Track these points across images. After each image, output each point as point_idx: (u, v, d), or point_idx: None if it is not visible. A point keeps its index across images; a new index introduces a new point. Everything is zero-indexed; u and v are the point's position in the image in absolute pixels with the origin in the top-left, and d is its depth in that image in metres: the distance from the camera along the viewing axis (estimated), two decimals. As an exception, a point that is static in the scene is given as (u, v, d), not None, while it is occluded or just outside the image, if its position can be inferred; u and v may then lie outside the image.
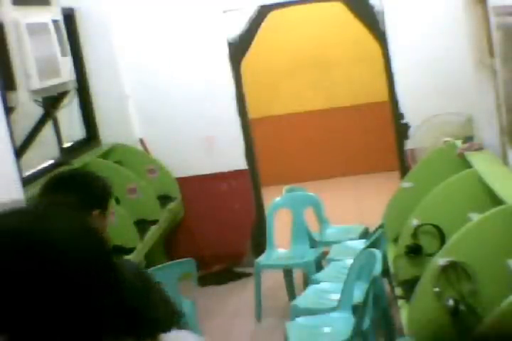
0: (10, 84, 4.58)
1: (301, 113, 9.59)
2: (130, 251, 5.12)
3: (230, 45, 6.53)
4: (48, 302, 1.06)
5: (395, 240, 4.61)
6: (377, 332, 4.59)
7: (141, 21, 6.51)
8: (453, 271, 3.43)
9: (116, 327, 1.11)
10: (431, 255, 3.93)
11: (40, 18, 5.08)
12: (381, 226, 4.94)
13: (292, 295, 5.65)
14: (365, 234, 5.69)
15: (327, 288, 4.80)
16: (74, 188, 2.56)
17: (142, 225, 5.65)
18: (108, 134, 6.51)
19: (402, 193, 4.92)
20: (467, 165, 4.57)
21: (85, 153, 6.13)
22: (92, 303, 1.09)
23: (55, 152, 5.87)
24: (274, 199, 5.96)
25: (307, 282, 5.41)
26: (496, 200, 3.78)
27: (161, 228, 5.95)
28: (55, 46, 5.21)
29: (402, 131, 6.41)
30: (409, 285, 3.84)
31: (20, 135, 5.24)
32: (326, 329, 4.25)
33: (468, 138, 5.26)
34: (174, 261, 4.72)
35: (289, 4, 6.57)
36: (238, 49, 6.58)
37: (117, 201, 5.67)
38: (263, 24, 6.61)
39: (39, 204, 2.22)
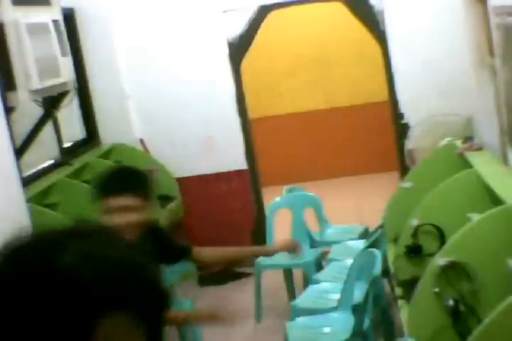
0: (10, 84, 4.58)
1: (301, 113, 9.59)
2: (130, 251, 5.11)
3: (230, 45, 6.53)
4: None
5: (395, 240, 4.61)
6: (377, 332, 4.59)
7: (141, 21, 6.51)
8: (453, 271, 3.43)
9: None
10: (431, 255, 3.93)
11: (40, 18, 5.08)
12: (381, 226, 4.94)
13: (292, 295, 5.65)
14: (365, 234, 5.69)
15: (327, 288, 4.80)
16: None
17: (142, 225, 5.65)
18: (108, 134, 6.51)
19: (402, 193, 4.92)
20: (467, 165, 4.57)
21: (85, 153, 6.13)
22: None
23: (55, 152, 5.87)
24: (274, 199, 5.95)
25: (307, 282, 5.41)
26: (495, 200, 3.78)
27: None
28: (55, 46, 5.20)
29: (402, 131, 6.41)
30: (409, 285, 3.84)
31: (20, 135, 5.24)
32: (326, 329, 4.25)
33: (468, 138, 5.26)
34: (174, 261, 4.72)
35: (289, 4, 6.57)
36: (238, 49, 6.58)
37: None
38: (263, 24, 6.61)
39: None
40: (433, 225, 4.18)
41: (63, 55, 5.35)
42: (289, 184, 6.40)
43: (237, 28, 6.55)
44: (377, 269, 4.19)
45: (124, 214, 2.92)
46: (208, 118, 6.58)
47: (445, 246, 3.56)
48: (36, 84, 4.79)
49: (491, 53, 4.49)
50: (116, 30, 6.48)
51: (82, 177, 5.71)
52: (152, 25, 6.51)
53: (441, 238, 4.12)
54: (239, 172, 6.69)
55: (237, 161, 6.67)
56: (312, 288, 4.87)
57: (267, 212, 6.08)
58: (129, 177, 3.05)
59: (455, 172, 4.37)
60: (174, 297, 3.71)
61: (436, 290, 3.43)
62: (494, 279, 3.41)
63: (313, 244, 5.79)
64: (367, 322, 4.12)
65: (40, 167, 5.48)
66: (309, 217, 5.96)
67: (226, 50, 6.52)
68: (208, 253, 3.45)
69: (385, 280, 4.88)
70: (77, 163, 5.77)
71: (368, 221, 6.17)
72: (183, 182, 6.57)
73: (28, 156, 5.24)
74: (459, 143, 5.10)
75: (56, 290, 1.02)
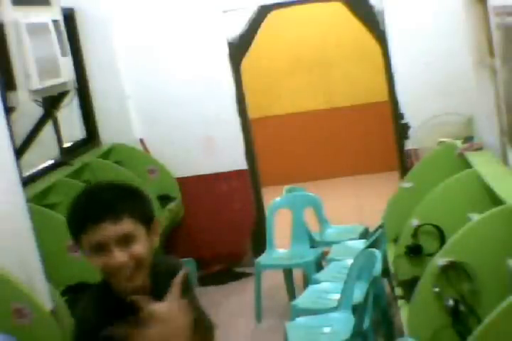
0: (10, 84, 4.57)
1: (301, 113, 9.59)
2: (130, 251, 5.11)
3: (230, 45, 6.53)
4: None
5: (395, 240, 4.61)
6: (377, 332, 4.59)
7: (141, 21, 6.51)
8: (453, 271, 3.43)
9: None
10: (431, 255, 3.93)
11: (40, 18, 5.08)
12: (381, 226, 4.94)
13: (292, 295, 5.65)
14: (365, 234, 5.69)
15: (327, 288, 4.80)
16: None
17: (142, 225, 5.64)
18: (108, 134, 6.51)
19: (402, 193, 4.93)
20: (467, 165, 4.57)
21: (85, 153, 6.13)
22: None
23: (55, 152, 5.87)
24: (274, 199, 5.96)
25: (307, 282, 5.41)
26: (495, 200, 3.78)
27: (160, 228, 5.94)
28: (55, 46, 5.20)
29: (402, 131, 6.41)
30: (409, 285, 3.84)
31: (20, 135, 5.24)
32: (326, 329, 4.25)
33: (468, 138, 5.26)
34: (174, 261, 4.71)
35: (289, 4, 6.56)
36: (238, 49, 6.58)
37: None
38: (263, 24, 6.61)
39: None
40: (433, 225, 4.18)
41: (63, 55, 5.34)
42: (289, 184, 6.40)
43: (237, 28, 6.55)
44: (377, 269, 4.19)
45: (124, 247, 1.95)
46: (207, 119, 6.58)
47: (445, 246, 3.56)
48: (36, 84, 4.79)
49: (491, 53, 4.48)
50: (116, 31, 6.48)
51: (82, 177, 5.71)
52: (152, 26, 6.51)
53: (441, 238, 4.12)
54: (239, 172, 6.69)
55: (237, 161, 6.67)
56: (312, 288, 4.87)
57: (267, 212, 6.08)
58: (122, 193, 2.01)
59: (455, 172, 4.37)
60: None
61: (436, 290, 3.43)
62: (494, 279, 3.41)
63: (313, 244, 5.79)
64: (367, 322, 4.12)
65: (40, 167, 5.48)
66: (309, 217, 5.96)
67: (226, 50, 6.52)
68: None
69: (385, 280, 4.88)
70: (77, 163, 5.77)
71: (367, 221, 6.18)
72: (183, 182, 6.57)
73: (28, 156, 5.24)
74: (459, 143, 5.10)
75: None
